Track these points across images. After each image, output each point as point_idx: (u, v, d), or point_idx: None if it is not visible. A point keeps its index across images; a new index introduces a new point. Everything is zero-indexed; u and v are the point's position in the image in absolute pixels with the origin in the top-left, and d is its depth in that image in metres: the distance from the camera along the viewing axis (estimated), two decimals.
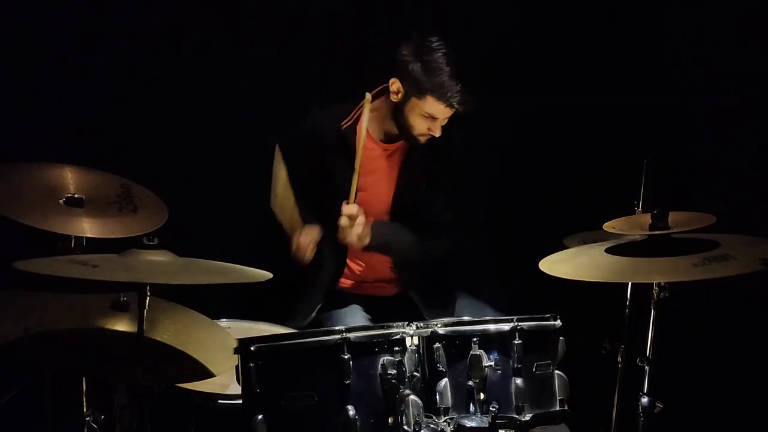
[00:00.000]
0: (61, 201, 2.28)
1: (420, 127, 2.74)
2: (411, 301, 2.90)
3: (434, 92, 2.66)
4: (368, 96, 2.69)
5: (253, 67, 3.26)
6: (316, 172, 2.83)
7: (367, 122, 2.69)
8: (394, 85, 2.73)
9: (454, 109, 2.69)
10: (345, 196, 2.72)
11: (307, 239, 2.79)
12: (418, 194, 2.88)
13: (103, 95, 3.06)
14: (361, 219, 2.64)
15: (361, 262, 2.93)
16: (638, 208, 2.62)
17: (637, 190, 2.64)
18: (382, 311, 2.87)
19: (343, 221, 2.63)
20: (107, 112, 3.06)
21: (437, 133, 2.75)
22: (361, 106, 2.73)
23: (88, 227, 2.24)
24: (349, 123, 2.81)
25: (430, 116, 2.71)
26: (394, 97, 2.75)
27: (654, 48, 3.31)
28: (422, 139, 2.78)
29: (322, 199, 2.82)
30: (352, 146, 2.75)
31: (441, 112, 2.70)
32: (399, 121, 2.78)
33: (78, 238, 2.26)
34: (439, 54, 2.68)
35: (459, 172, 2.97)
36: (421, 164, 2.87)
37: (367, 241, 2.69)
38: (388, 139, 2.86)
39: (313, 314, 2.86)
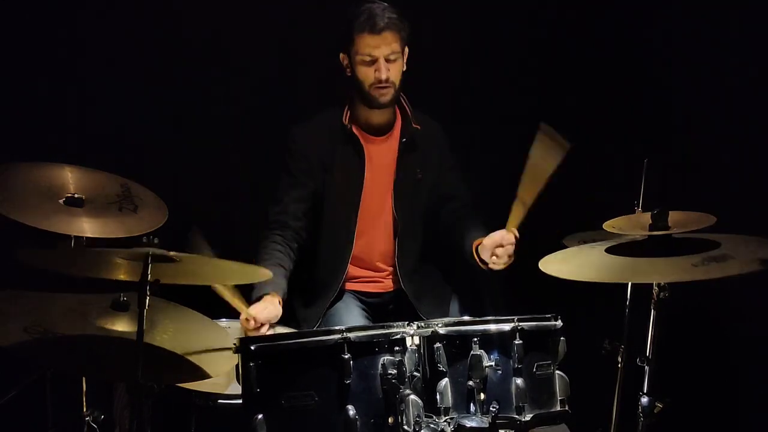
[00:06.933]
0: (61, 201, 2.28)
1: (367, 77, 2.68)
2: (407, 298, 2.89)
3: (358, 25, 2.61)
4: None
5: (254, 67, 3.26)
6: (321, 181, 2.80)
7: None
8: (343, 60, 2.70)
9: (382, 34, 2.61)
10: (351, 197, 2.72)
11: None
12: (415, 184, 2.87)
13: (103, 95, 3.07)
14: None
15: (361, 263, 2.92)
16: (638, 208, 2.62)
17: (637, 190, 2.64)
18: (379, 308, 2.88)
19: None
20: (107, 112, 3.06)
21: (383, 76, 2.65)
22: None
23: (88, 227, 2.24)
24: (349, 117, 2.78)
25: (369, 57, 2.65)
26: (348, 73, 2.72)
27: (655, 48, 3.31)
28: (378, 95, 2.70)
29: (327, 205, 2.81)
30: (357, 140, 2.77)
31: (373, 44, 2.62)
32: (357, 88, 2.72)
33: (78, 238, 2.26)
34: (368, 5, 2.63)
35: (452, 158, 2.98)
36: (415, 156, 2.85)
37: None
38: (374, 130, 2.83)
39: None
